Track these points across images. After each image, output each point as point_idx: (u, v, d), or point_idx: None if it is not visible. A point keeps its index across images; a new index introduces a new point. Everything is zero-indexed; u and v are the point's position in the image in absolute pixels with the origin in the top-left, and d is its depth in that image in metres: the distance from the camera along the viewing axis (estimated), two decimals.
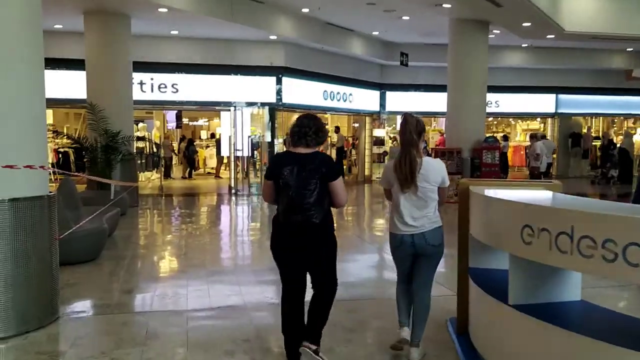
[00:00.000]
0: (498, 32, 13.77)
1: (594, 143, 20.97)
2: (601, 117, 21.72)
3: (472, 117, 12.80)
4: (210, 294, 5.31)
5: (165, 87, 14.04)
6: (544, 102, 20.00)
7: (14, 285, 4.01)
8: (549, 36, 13.56)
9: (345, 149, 20.13)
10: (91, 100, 11.06)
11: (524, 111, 19.64)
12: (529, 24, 12.11)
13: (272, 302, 5.03)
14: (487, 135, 13.70)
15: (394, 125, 19.98)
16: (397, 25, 15.19)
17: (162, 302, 5.07)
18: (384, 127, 19.29)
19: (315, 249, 3.51)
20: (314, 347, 3.44)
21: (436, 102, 19.04)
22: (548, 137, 17.84)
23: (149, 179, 16.85)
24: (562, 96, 20.05)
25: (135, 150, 14.27)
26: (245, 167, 15.90)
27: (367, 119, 19.16)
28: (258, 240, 8.63)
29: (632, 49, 18.40)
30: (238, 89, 14.53)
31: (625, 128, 21.41)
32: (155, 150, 16.98)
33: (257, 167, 17.21)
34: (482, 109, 13.00)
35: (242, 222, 10.97)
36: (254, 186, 15.44)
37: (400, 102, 19.02)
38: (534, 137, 13.44)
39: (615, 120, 21.85)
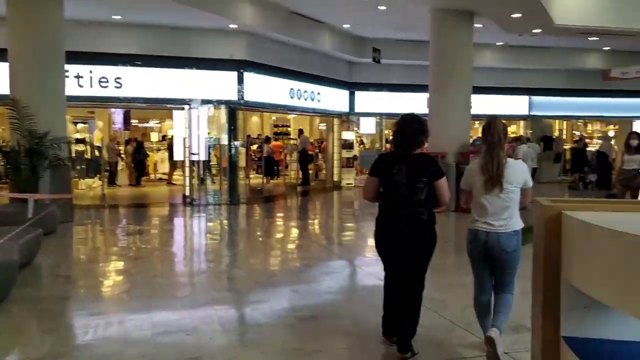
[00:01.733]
0: (480, 26, 12.59)
1: (565, 147, 20.28)
2: (573, 120, 20.96)
3: (457, 117, 11.55)
4: None
5: (107, 81, 12.11)
6: (517, 104, 19.11)
7: None
8: (535, 30, 12.49)
9: (310, 153, 18.65)
10: (14, 96, 9.16)
11: (497, 113, 18.59)
12: (519, 15, 10.96)
13: None
14: (474, 138, 12.49)
15: (355, 129, 18.54)
16: (371, 17, 13.84)
17: None
18: (353, 130, 17.92)
19: (419, 243, 3.68)
20: (408, 356, 3.66)
21: (409, 102, 17.88)
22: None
23: (89, 187, 14.85)
24: (534, 97, 19.23)
25: (74, 155, 12.35)
26: (202, 173, 14.17)
27: (336, 121, 17.73)
28: (220, 269, 7.00)
29: (609, 48, 17.75)
30: (193, 84, 12.79)
31: (602, 131, 20.76)
32: (97, 154, 14.98)
33: (215, 172, 15.48)
34: (467, 109, 11.77)
35: (201, 242, 9.29)
36: (211, 194, 13.73)
37: (371, 102, 17.70)
38: (518, 139, 12.28)
39: (588, 123, 21.21)
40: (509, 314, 3.70)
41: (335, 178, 17.70)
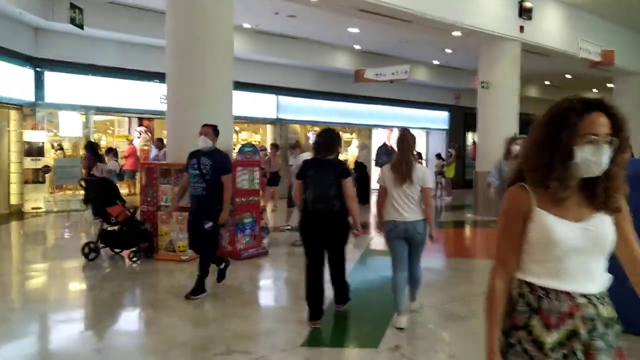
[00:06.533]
0: None
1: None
2: (321, 126, 18.81)
3: (213, 113, 7.45)
4: None
5: None
6: (264, 105, 16.02)
7: None
8: None
9: None
10: None
11: (244, 115, 15.02)
12: None
13: None
14: (242, 143, 8.53)
15: (54, 131, 12.87)
16: None
17: None
18: (43, 129, 12.15)
19: (334, 230, 4.65)
20: (342, 307, 4.96)
21: (130, 92, 13.11)
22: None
23: None
24: (282, 98, 16.45)
25: None
26: None
27: (14, 114, 11.72)
28: None
29: (359, 47, 16.08)
30: None
31: (359, 139, 19.04)
32: None
33: None
34: (227, 101, 7.78)
35: None
36: None
37: (67, 89, 12.21)
38: (295, 147, 8.85)
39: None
40: (421, 283, 4.92)
41: (14, 200, 11.69)
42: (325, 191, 4.52)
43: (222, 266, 5.72)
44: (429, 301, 5.29)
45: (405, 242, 4.57)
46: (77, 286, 6.24)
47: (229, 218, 5.67)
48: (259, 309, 5.33)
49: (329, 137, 4.82)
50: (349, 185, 4.62)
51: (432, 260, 6.52)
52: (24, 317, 4.92)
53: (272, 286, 6.37)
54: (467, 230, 11.48)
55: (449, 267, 7.19)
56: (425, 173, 4.63)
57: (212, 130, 5.43)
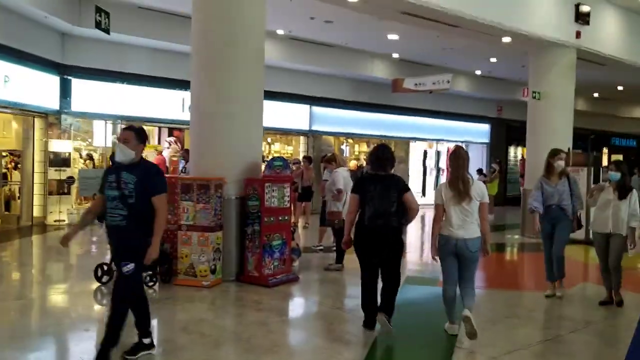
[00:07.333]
0: None
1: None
2: (356, 138, 17.89)
3: (242, 124, 6.77)
4: None
5: None
6: (297, 116, 15.33)
7: None
8: None
9: None
10: None
11: (275, 126, 14.31)
12: None
13: None
14: (274, 155, 7.81)
15: (89, 140, 12.47)
16: None
17: None
18: (69, 138, 11.72)
19: (390, 246, 4.71)
20: (387, 316, 4.63)
21: (157, 101, 12.62)
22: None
23: None
24: (316, 108, 15.74)
25: None
26: None
27: (38, 122, 11.33)
28: None
29: (397, 56, 15.28)
30: None
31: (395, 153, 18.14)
32: None
33: None
34: (258, 111, 7.07)
35: None
36: None
37: (94, 97, 11.76)
38: (331, 161, 8.00)
39: (363, 143, 18.53)
40: (474, 300, 4.66)
41: (37, 212, 11.25)
42: (387, 207, 4.58)
43: (147, 341, 4.09)
44: (486, 350, 4.41)
45: (455, 257, 4.62)
46: (84, 316, 5.56)
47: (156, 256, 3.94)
48: (288, 354, 4.54)
49: (389, 152, 4.86)
50: (413, 198, 4.70)
51: (480, 291, 5.58)
52: (15, 355, 4.25)
53: (303, 323, 5.53)
54: (515, 255, 10.46)
55: (503, 303, 6.19)
56: (482, 188, 4.68)
57: (135, 135, 3.96)
